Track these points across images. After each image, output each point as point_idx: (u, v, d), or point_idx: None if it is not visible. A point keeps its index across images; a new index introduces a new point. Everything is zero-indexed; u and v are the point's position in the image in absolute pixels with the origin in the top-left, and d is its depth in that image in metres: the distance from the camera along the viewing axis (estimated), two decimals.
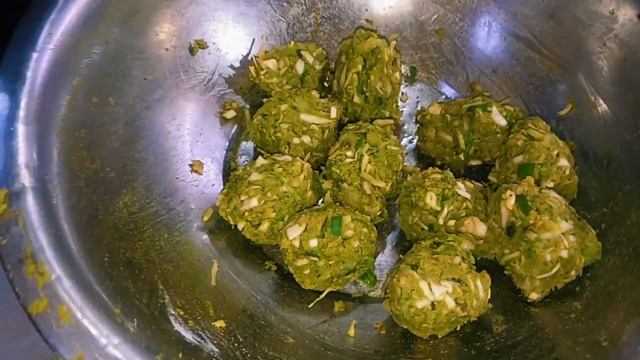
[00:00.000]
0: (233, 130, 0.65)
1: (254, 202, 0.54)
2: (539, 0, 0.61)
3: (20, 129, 0.46)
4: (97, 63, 0.54)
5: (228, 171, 0.63)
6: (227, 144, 0.65)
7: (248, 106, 0.66)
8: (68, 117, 0.50)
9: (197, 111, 0.63)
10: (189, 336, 0.44)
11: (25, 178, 0.44)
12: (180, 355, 0.43)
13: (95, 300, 0.40)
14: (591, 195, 0.56)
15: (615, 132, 0.56)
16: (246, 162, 0.64)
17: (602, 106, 0.57)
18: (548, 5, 0.61)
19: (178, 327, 0.45)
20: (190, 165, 0.61)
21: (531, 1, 0.62)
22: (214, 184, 0.61)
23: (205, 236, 0.57)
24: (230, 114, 0.65)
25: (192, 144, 0.62)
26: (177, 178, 0.59)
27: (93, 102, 0.53)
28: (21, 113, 0.47)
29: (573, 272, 0.49)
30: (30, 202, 0.43)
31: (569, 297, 0.50)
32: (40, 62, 0.49)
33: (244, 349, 0.47)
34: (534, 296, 0.50)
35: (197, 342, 0.44)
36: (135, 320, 0.41)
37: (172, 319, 0.45)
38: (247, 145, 0.65)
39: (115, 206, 0.51)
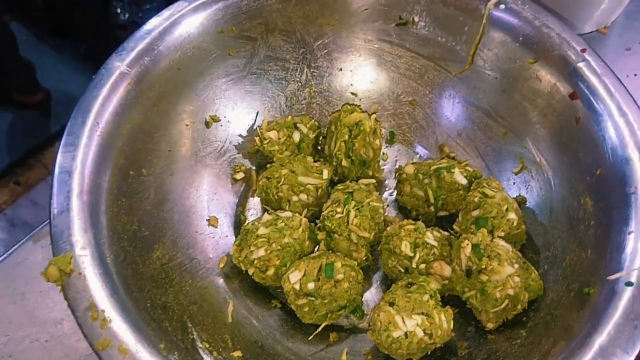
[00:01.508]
0: (242, 189, 0.78)
1: (261, 252, 0.66)
2: (493, 79, 0.74)
3: (76, 203, 0.58)
4: (132, 142, 0.66)
5: (238, 224, 0.75)
6: (237, 200, 0.77)
7: (254, 167, 0.79)
8: (112, 189, 0.62)
9: (212, 174, 0.76)
10: None
11: (84, 243, 0.56)
12: None
13: (145, 338, 0.51)
14: (537, 241, 0.67)
15: (555, 188, 0.68)
16: (253, 216, 0.76)
17: (545, 166, 0.70)
18: (500, 83, 0.73)
19: (206, 358, 0.56)
20: (208, 220, 0.73)
21: (487, 79, 0.74)
22: (227, 235, 0.74)
23: (221, 280, 0.69)
24: (240, 175, 0.77)
25: (208, 202, 0.74)
26: (197, 232, 0.71)
27: (130, 174, 0.65)
28: (76, 189, 0.59)
29: (519, 306, 0.61)
30: (90, 262, 0.54)
31: (517, 325, 0.61)
32: (89, 147, 0.61)
33: None
34: (489, 325, 0.62)
35: None
36: (175, 353, 0.53)
37: (201, 351, 0.57)
38: (254, 201, 0.77)
39: (150, 259, 0.63)
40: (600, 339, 0.50)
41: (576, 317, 0.55)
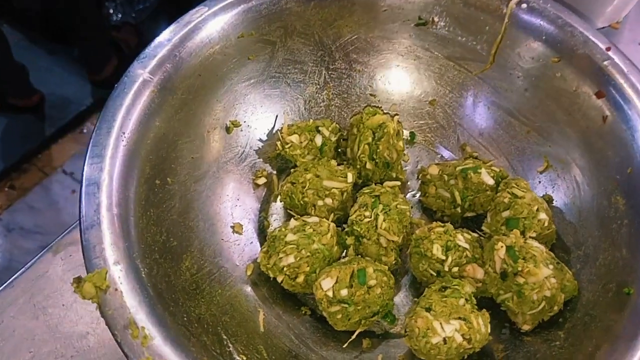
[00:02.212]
0: (264, 194, 0.77)
1: (291, 259, 0.65)
2: (515, 78, 0.74)
3: (106, 216, 0.57)
4: (157, 151, 0.65)
5: (262, 230, 0.74)
6: (260, 205, 0.76)
7: (275, 172, 0.78)
8: (140, 200, 0.61)
9: (234, 180, 0.74)
10: None
11: (118, 257, 0.54)
12: None
13: (188, 355, 0.50)
14: (567, 240, 0.67)
15: (583, 187, 0.68)
16: (277, 221, 0.75)
17: (572, 165, 0.70)
18: (523, 82, 0.73)
19: None
20: (232, 227, 0.72)
21: (509, 78, 0.74)
22: (252, 242, 0.73)
23: (249, 288, 0.68)
24: (262, 180, 0.76)
25: (232, 209, 0.73)
26: (222, 239, 0.70)
27: (156, 184, 0.64)
28: (105, 202, 0.58)
29: (556, 307, 0.60)
30: (125, 277, 0.53)
31: (554, 327, 0.61)
32: (116, 158, 0.60)
33: None
34: (526, 327, 0.62)
35: None
36: None
37: None
38: (276, 206, 0.76)
39: (181, 270, 0.62)
40: None
41: (617, 317, 0.54)
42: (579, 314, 0.60)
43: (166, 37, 0.67)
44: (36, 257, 0.74)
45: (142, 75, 0.64)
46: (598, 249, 0.63)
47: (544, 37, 0.70)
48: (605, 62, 0.66)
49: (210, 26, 0.69)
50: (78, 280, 0.66)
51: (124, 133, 0.61)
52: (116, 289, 0.52)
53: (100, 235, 0.55)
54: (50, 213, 2.10)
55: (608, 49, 0.67)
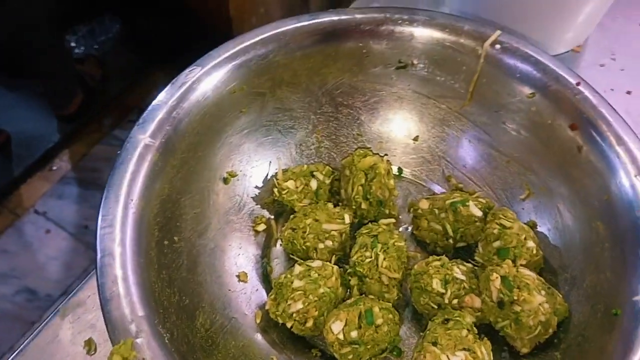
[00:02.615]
0: (264, 240, 0.79)
1: (299, 305, 0.68)
2: (493, 113, 0.79)
3: (124, 286, 0.59)
4: (163, 212, 0.67)
5: (265, 275, 0.77)
6: (261, 252, 0.79)
7: (273, 217, 0.81)
8: (153, 264, 0.63)
9: (235, 229, 0.77)
10: None
11: (141, 326, 0.56)
12: None
13: None
14: (553, 263, 0.72)
15: (564, 213, 0.73)
16: (279, 265, 0.78)
17: (552, 192, 0.75)
18: (500, 117, 0.78)
19: None
20: (237, 276, 0.74)
21: (487, 113, 0.79)
22: (257, 289, 0.75)
23: (260, 336, 0.71)
24: (261, 226, 0.79)
25: (235, 258, 0.76)
26: (229, 290, 0.73)
27: (165, 245, 0.66)
28: (121, 272, 0.59)
29: (550, 330, 0.65)
30: (150, 346, 0.55)
31: (550, 348, 0.66)
32: (126, 225, 0.62)
33: None
34: (524, 350, 0.67)
35: None
36: None
37: None
38: (277, 250, 0.79)
39: (196, 328, 0.64)
40: (637, 359, 0.55)
41: (608, 338, 0.59)
42: (572, 335, 0.65)
43: (162, 100, 0.69)
44: (44, 322, 0.74)
45: (144, 140, 0.66)
46: (584, 271, 0.68)
47: (518, 75, 0.75)
48: (577, 97, 0.72)
49: (204, 85, 0.72)
50: (89, 343, 0.67)
51: (131, 200, 0.63)
52: (143, 359, 0.54)
53: (121, 306, 0.57)
54: (25, 255, 2.07)
55: (578, 83, 0.72)
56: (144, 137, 0.67)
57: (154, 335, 0.56)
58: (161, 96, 0.70)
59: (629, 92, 0.95)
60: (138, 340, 0.55)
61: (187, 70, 0.72)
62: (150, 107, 0.69)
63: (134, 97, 2.37)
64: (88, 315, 0.75)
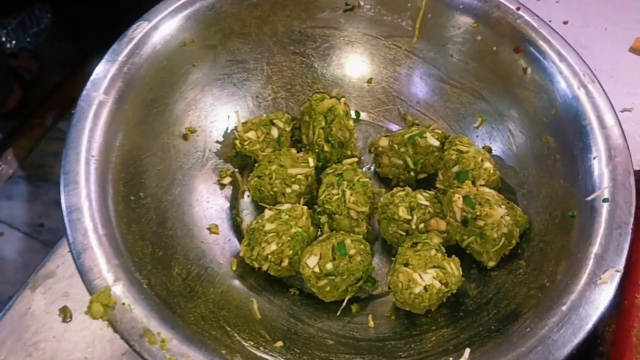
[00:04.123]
0: (231, 192, 0.80)
1: (273, 246, 0.69)
2: (441, 47, 0.81)
3: (95, 238, 0.58)
4: (125, 168, 0.66)
5: (236, 226, 0.77)
6: (230, 204, 0.79)
7: (237, 170, 0.81)
8: (122, 218, 0.63)
9: (201, 184, 0.77)
10: (269, 357, 0.59)
11: (117, 274, 0.56)
12: None
13: (206, 349, 0.53)
14: (510, 183, 0.76)
15: (516, 133, 0.77)
16: (248, 215, 0.79)
17: (503, 116, 0.78)
18: (447, 50, 0.81)
19: (260, 354, 0.59)
20: (208, 229, 0.75)
21: (435, 48, 0.81)
22: (229, 239, 0.76)
23: (237, 282, 0.71)
24: (227, 180, 0.79)
25: (204, 212, 0.76)
26: (202, 242, 0.73)
27: (132, 200, 0.66)
28: (91, 225, 0.59)
29: (513, 241, 0.69)
30: (129, 291, 0.55)
31: (515, 258, 0.69)
32: (90, 181, 0.61)
33: (304, 357, 0.62)
34: (491, 264, 0.70)
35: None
36: (237, 355, 0.55)
37: (250, 349, 0.60)
38: (245, 202, 0.80)
39: (173, 277, 0.65)
40: (594, 250, 0.59)
41: (567, 238, 0.63)
42: (534, 243, 0.69)
43: (112, 57, 0.68)
44: (15, 297, 0.73)
45: (98, 97, 0.65)
46: (539, 184, 0.72)
47: (460, 7, 0.78)
48: (518, 21, 0.75)
49: (154, 39, 0.71)
50: (64, 311, 0.67)
51: (92, 156, 0.62)
52: (124, 304, 0.54)
53: (94, 257, 0.57)
54: None
55: (518, 8, 0.75)
56: (98, 94, 0.66)
57: (132, 282, 0.56)
58: (110, 54, 0.69)
59: (565, 22, 1.00)
60: (115, 288, 0.55)
61: (134, 26, 0.71)
62: (100, 65, 0.68)
63: (74, 87, 2.29)
64: (60, 285, 0.74)
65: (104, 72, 0.67)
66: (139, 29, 0.70)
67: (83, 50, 2.32)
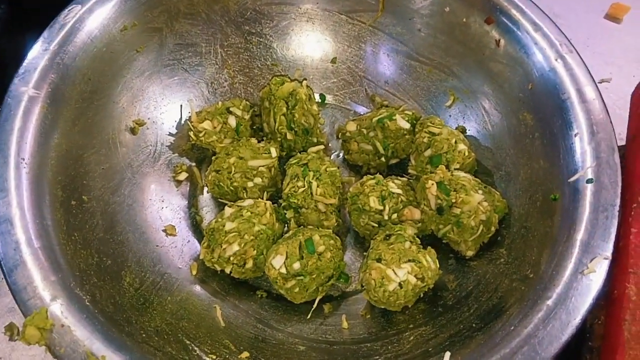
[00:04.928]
0: (188, 189, 0.74)
1: (235, 247, 0.63)
2: (407, 21, 0.75)
3: (28, 252, 0.52)
4: (63, 170, 0.60)
5: (196, 225, 0.71)
6: (187, 202, 0.73)
7: (194, 164, 0.75)
8: (61, 226, 0.56)
9: (154, 182, 0.71)
10: None
11: (54, 291, 0.50)
12: None
13: None
14: (487, 164, 0.71)
15: (491, 111, 0.72)
16: (208, 213, 0.73)
17: (476, 93, 0.73)
18: (415, 24, 0.75)
19: None
20: (164, 231, 0.69)
21: (401, 22, 0.75)
22: (189, 241, 0.70)
23: (198, 287, 0.66)
24: (183, 175, 0.73)
25: (159, 212, 0.70)
26: (157, 245, 0.67)
27: (73, 205, 0.59)
28: (24, 237, 0.52)
29: (492, 228, 0.64)
30: (69, 310, 0.49)
31: (495, 246, 0.65)
32: (21, 187, 0.54)
33: None
34: (469, 253, 0.65)
35: None
36: None
37: None
38: (204, 198, 0.74)
39: (124, 288, 0.59)
40: (580, 236, 0.54)
41: (550, 223, 0.59)
42: (514, 229, 0.64)
43: (43, 46, 0.61)
44: None
45: (27, 92, 0.58)
46: (517, 165, 0.67)
47: None
48: None
49: (89, 24, 0.64)
50: (10, 328, 0.60)
51: (23, 159, 0.56)
52: (62, 325, 0.48)
53: (28, 273, 0.50)
54: None
55: None
56: (27, 89, 0.58)
57: (73, 299, 0.50)
58: (39, 42, 0.61)
59: None
60: (54, 307, 0.49)
61: (65, 11, 0.63)
62: (29, 55, 0.60)
63: None
64: (4, 299, 0.68)
65: (33, 63, 0.60)
66: (72, 14, 0.63)
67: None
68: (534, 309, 0.51)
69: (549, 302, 0.51)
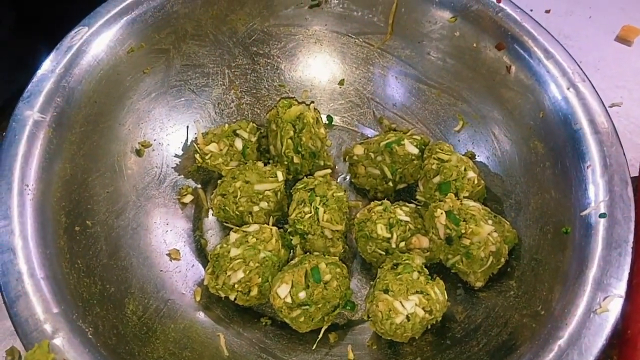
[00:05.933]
0: (193, 212, 0.73)
1: (240, 274, 0.62)
2: (416, 44, 0.74)
3: (31, 283, 0.51)
4: (68, 195, 0.59)
5: (200, 249, 0.70)
6: (192, 225, 0.72)
7: (200, 186, 0.74)
8: (64, 254, 0.55)
9: (159, 205, 0.70)
10: None
11: (56, 324, 0.49)
12: None
13: None
14: (496, 192, 0.70)
15: (501, 138, 0.71)
16: (213, 237, 0.72)
17: (486, 118, 0.72)
18: (424, 47, 0.74)
19: None
20: (168, 255, 0.68)
21: (410, 45, 0.74)
22: (193, 265, 0.69)
23: (202, 314, 0.65)
24: (188, 198, 0.72)
25: (163, 235, 0.69)
26: (161, 270, 0.66)
27: (76, 231, 0.59)
28: (26, 267, 0.52)
29: (502, 259, 0.63)
30: (71, 344, 0.48)
31: (505, 278, 0.64)
32: (25, 215, 0.54)
33: None
34: (479, 284, 0.64)
35: None
36: None
37: None
38: (209, 221, 0.73)
39: (127, 317, 0.58)
40: (592, 273, 0.53)
41: (562, 257, 0.58)
42: (524, 261, 0.63)
43: (49, 68, 0.60)
44: None
45: (32, 117, 0.57)
46: (527, 194, 0.66)
47: (437, 0, 0.71)
48: (499, 14, 0.68)
49: (95, 46, 0.63)
50: (12, 352, 0.59)
51: (27, 185, 0.55)
52: (64, 358, 0.47)
53: (30, 305, 0.49)
54: None
55: (499, 1, 0.69)
56: (32, 113, 0.58)
57: (74, 332, 0.49)
58: (46, 65, 0.61)
59: (547, 11, 0.94)
60: (55, 341, 0.48)
61: (72, 33, 0.63)
62: (34, 78, 0.60)
63: None
64: (6, 323, 0.66)
65: (39, 87, 0.59)
66: (78, 36, 0.62)
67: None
68: (545, 348, 0.50)
69: (561, 342, 0.50)
